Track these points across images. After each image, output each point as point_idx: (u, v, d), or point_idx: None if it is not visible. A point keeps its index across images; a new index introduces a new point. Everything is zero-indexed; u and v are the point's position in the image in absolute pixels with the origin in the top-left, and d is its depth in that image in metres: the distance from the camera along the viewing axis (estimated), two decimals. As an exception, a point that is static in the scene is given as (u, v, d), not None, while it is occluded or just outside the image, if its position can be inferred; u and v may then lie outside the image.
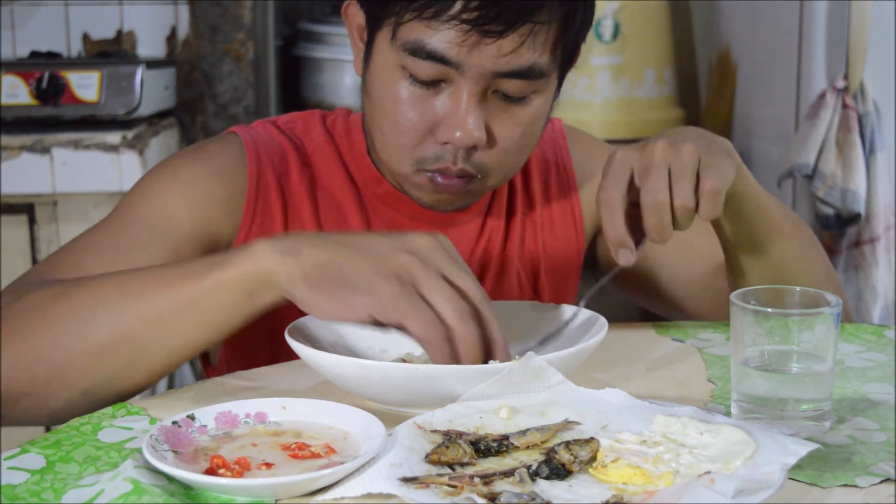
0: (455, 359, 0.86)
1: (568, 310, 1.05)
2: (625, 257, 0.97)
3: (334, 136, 1.19)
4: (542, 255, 1.24)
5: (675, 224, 0.97)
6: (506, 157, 1.07)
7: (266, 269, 0.88)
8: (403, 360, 1.02)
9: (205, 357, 1.22)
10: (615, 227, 0.96)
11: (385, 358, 1.01)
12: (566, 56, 1.07)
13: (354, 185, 1.17)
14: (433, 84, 1.03)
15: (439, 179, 1.07)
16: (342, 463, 0.74)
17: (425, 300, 0.86)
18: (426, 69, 1.01)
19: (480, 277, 1.20)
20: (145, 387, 0.95)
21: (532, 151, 1.13)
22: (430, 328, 0.85)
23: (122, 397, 0.94)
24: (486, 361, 0.88)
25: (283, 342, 1.13)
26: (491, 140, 1.05)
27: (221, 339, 0.94)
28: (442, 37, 0.99)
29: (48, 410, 0.91)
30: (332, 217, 1.16)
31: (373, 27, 1.07)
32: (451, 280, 0.87)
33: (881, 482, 0.76)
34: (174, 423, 0.81)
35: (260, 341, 1.14)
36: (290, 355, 1.12)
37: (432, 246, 0.88)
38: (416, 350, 1.02)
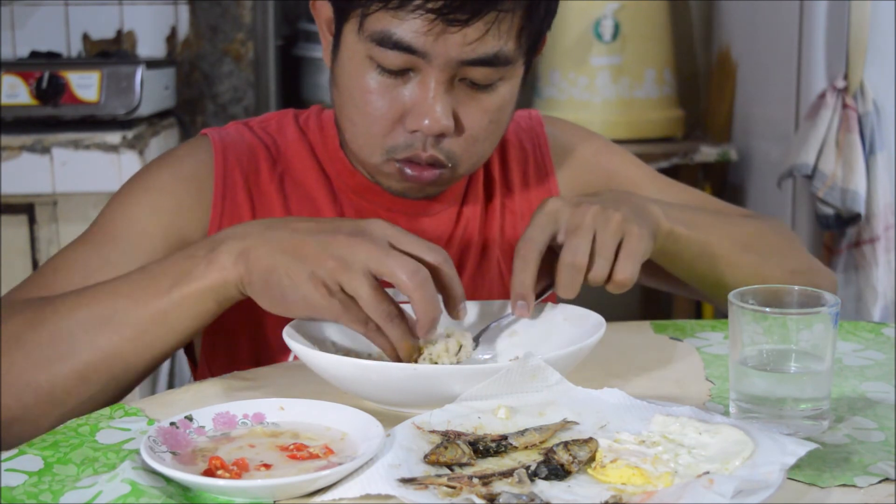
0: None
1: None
2: (521, 310, 1.00)
3: (307, 132, 1.21)
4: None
5: (586, 282, 1.02)
6: (474, 145, 1.09)
7: (223, 279, 0.94)
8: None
9: (193, 359, 1.23)
10: (522, 281, 1.00)
11: (384, 358, 1.01)
12: (531, 43, 1.09)
13: (328, 179, 1.19)
14: (401, 73, 1.05)
15: (408, 171, 1.09)
16: (340, 464, 0.74)
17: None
18: (393, 59, 1.03)
19: (459, 265, 1.21)
20: (132, 390, 1.00)
21: (500, 139, 1.14)
22: (362, 326, 0.91)
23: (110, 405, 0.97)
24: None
25: (263, 343, 1.14)
26: (459, 127, 1.07)
27: (197, 333, 1.00)
28: (408, 26, 1.01)
29: (40, 432, 0.93)
30: (304, 212, 1.18)
31: (340, 19, 1.08)
32: (379, 274, 0.90)
33: (880, 482, 0.76)
34: (172, 423, 0.81)
35: (240, 344, 1.15)
36: (273, 356, 1.13)
37: (356, 245, 0.90)
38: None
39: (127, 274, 0.99)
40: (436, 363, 0.95)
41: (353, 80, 1.07)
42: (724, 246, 1.17)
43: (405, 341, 0.91)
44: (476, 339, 1.01)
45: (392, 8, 1.00)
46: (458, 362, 0.96)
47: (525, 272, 1.00)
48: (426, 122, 1.04)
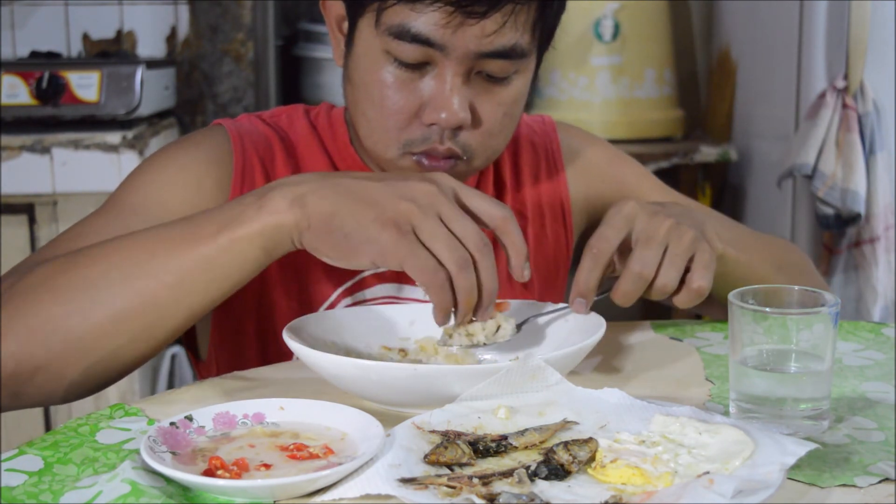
0: (454, 303, 0.89)
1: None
2: (579, 307, 1.00)
3: (318, 128, 1.21)
4: (530, 250, 1.25)
5: (645, 294, 1.01)
6: (489, 138, 1.09)
7: (276, 223, 0.91)
8: (402, 351, 1.02)
9: (195, 352, 1.23)
10: (588, 279, 1.00)
11: (384, 358, 1.01)
12: (545, 37, 1.10)
13: None
14: (418, 67, 1.05)
15: (425, 162, 1.09)
16: (340, 464, 0.74)
17: (425, 246, 0.88)
18: (411, 52, 1.03)
19: None
20: (163, 347, 0.96)
21: (513, 135, 1.14)
22: (430, 274, 0.88)
23: (138, 362, 0.95)
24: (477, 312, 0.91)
25: (271, 336, 1.14)
26: (475, 120, 1.07)
27: (238, 288, 0.95)
28: (426, 19, 1.01)
29: (64, 383, 0.92)
30: None
31: (354, 15, 1.08)
32: (450, 226, 0.89)
33: (880, 482, 0.76)
34: (172, 423, 0.81)
35: (248, 335, 1.15)
36: (280, 349, 1.13)
37: (431, 192, 0.90)
38: (410, 345, 1.03)
39: (167, 223, 0.97)
40: (471, 336, 0.95)
41: (369, 75, 1.07)
42: (764, 267, 1.17)
43: (472, 295, 0.89)
44: (518, 327, 1.00)
45: (410, 1, 1.01)
46: (491, 343, 0.96)
47: (593, 271, 0.99)
48: (443, 115, 1.04)
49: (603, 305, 1.02)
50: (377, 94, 1.07)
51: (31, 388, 0.91)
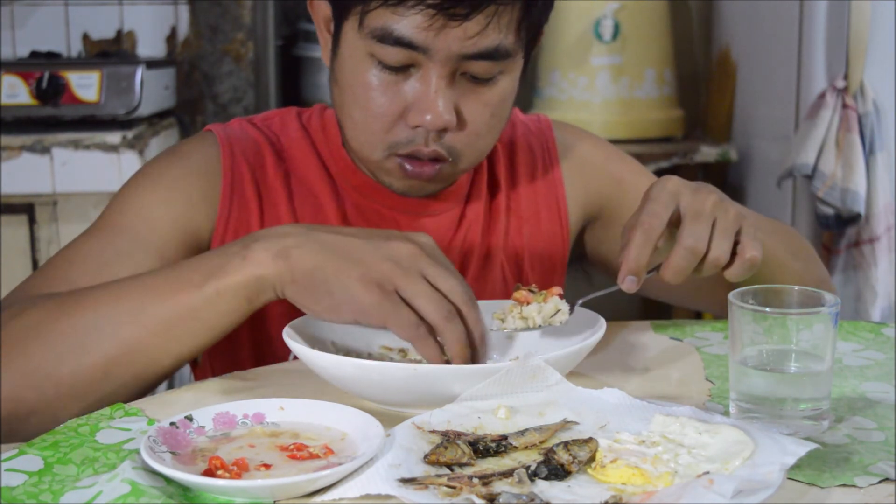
0: (443, 355, 0.90)
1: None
2: (630, 285, 0.96)
3: (310, 130, 1.22)
4: (526, 248, 1.25)
5: (696, 271, 0.97)
6: (475, 140, 1.09)
7: (259, 275, 0.92)
8: (402, 351, 1.02)
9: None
10: (639, 257, 0.95)
11: (384, 358, 1.01)
12: (530, 36, 1.10)
13: (330, 177, 1.19)
14: (402, 69, 1.05)
15: (408, 167, 1.09)
16: (340, 464, 0.74)
17: (408, 303, 0.89)
18: (394, 55, 1.03)
19: (462, 268, 1.21)
20: (153, 389, 0.98)
21: (502, 135, 1.14)
22: (412, 329, 0.89)
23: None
24: (475, 359, 0.91)
25: (265, 341, 1.14)
26: (461, 122, 1.07)
27: (226, 334, 0.96)
28: (408, 22, 1.01)
29: (59, 424, 0.92)
30: (307, 208, 1.18)
31: (339, 17, 1.09)
32: (434, 282, 0.90)
33: (880, 482, 0.76)
34: (172, 423, 0.81)
35: (242, 341, 1.15)
36: (275, 354, 1.13)
37: (414, 252, 0.91)
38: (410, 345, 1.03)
39: (155, 270, 0.98)
40: (526, 319, 0.95)
41: (354, 78, 1.07)
42: (781, 251, 1.16)
43: (462, 343, 0.89)
44: (571, 308, 0.99)
45: (392, 4, 1.01)
46: (546, 326, 0.96)
47: (644, 248, 0.95)
48: (428, 117, 1.04)
49: (603, 305, 1.02)
50: (362, 97, 1.07)
51: (27, 428, 0.93)
